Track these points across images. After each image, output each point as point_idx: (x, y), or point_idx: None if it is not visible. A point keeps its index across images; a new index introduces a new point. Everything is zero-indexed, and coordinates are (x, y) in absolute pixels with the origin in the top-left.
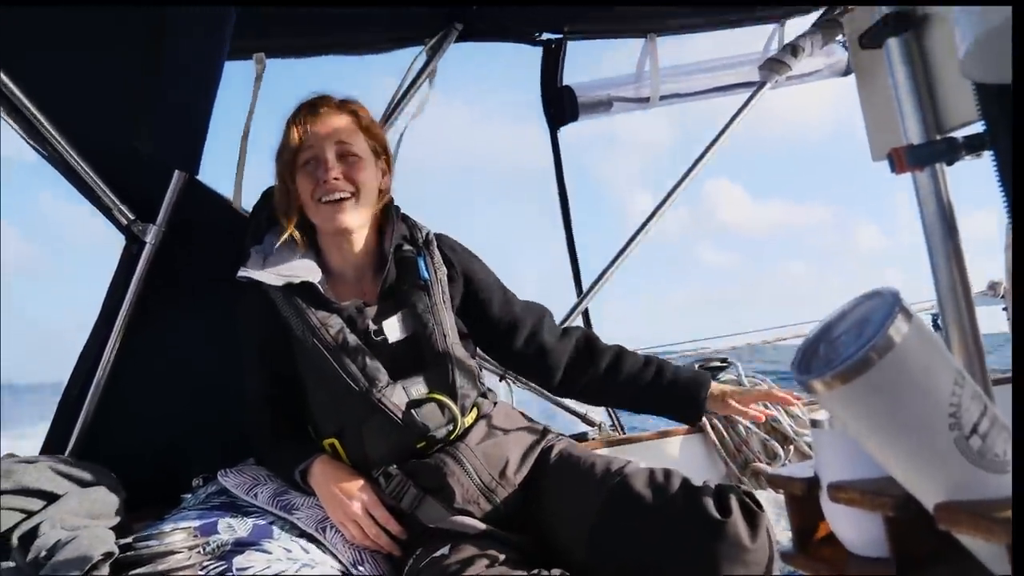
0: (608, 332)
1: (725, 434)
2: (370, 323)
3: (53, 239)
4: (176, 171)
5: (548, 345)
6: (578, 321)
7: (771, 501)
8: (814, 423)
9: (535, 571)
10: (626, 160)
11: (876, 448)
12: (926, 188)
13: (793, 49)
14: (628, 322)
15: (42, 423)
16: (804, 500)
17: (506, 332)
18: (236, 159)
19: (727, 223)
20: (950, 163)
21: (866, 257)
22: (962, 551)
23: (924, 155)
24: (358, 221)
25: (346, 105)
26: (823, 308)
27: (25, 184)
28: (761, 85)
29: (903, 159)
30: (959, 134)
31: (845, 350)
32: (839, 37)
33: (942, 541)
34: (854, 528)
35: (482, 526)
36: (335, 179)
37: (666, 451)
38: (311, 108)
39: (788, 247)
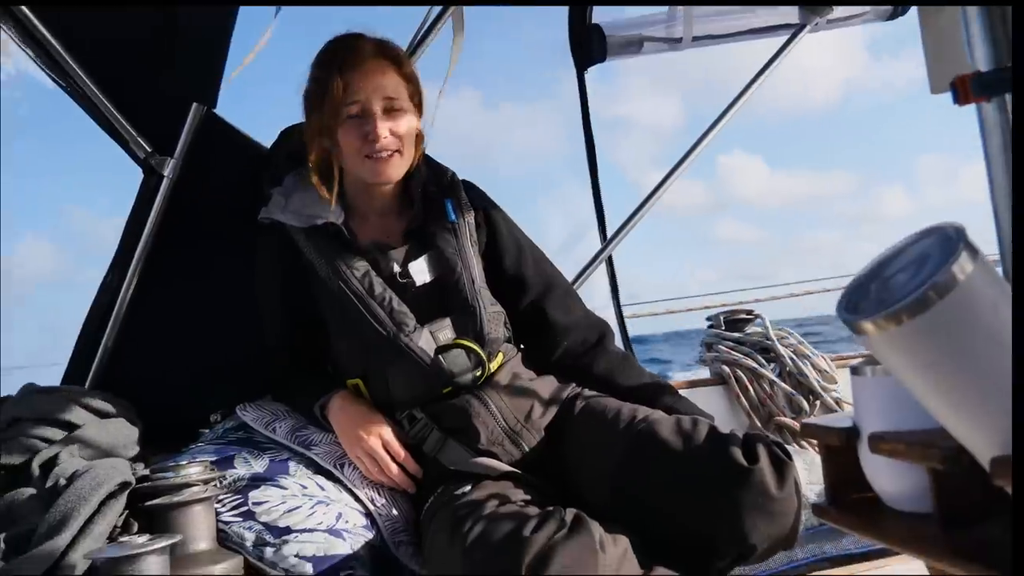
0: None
1: (750, 387)
2: (395, 265)
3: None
4: (194, 104)
5: (551, 317)
6: (601, 269)
7: (798, 457)
8: (855, 370)
9: (549, 508)
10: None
11: (930, 396)
12: (991, 121)
13: None
14: (651, 295)
15: None
16: (841, 451)
17: (510, 290)
18: (254, 96)
19: (747, 196)
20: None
21: (894, 221)
22: (1012, 508)
23: (993, 83)
24: (401, 174)
25: (387, 52)
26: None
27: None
28: (801, 27)
29: (968, 88)
30: None
31: (901, 289)
32: None
33: (992, 497)
34: (895, 481)
35: (505, 467)
36: (384, 136)
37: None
38: (353, 55)
39: (812, 217)
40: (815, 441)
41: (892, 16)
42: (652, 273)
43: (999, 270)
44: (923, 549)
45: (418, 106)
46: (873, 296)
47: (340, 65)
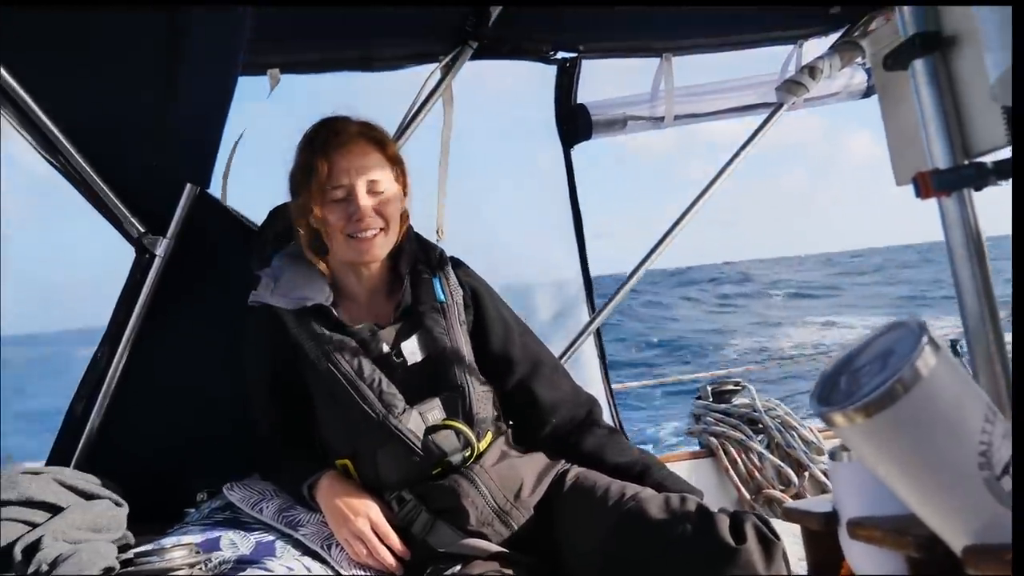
0: (605, 250)
1: (738, 459)
2: (384, 346)
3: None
4: (188, 184)
5: (540, 397)
6: (590, 343)
7: (786, 530)
8: (832, 454)
9: None
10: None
11: (900, 486)
12: (953, 214)
13: (811, 70)
14: (621, 238)
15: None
16: (822, 535)
17: (499, 369)
18: (246, 172)
19: (714, 139)
20: (978, 189)
21: (860, 165)
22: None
23: (951, 180)
24: (386, 252)
25: (371, 134)
26: (817, 220)
27: None
28: (778, 107)
29: (929, 184)
30: (988, 159)
31: (868, 382)
32: (858, 59)
33: None
34: (874, 566)
35: (494, 547)
36: (368, 215)
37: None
38: (337, 138)
39: (779, 161)
40: None
41: (867, 94)
42: (624, 213)
43: (952, 343)
44: None
45: (403, 186)
46: (843, 388)
47: (324, 147)
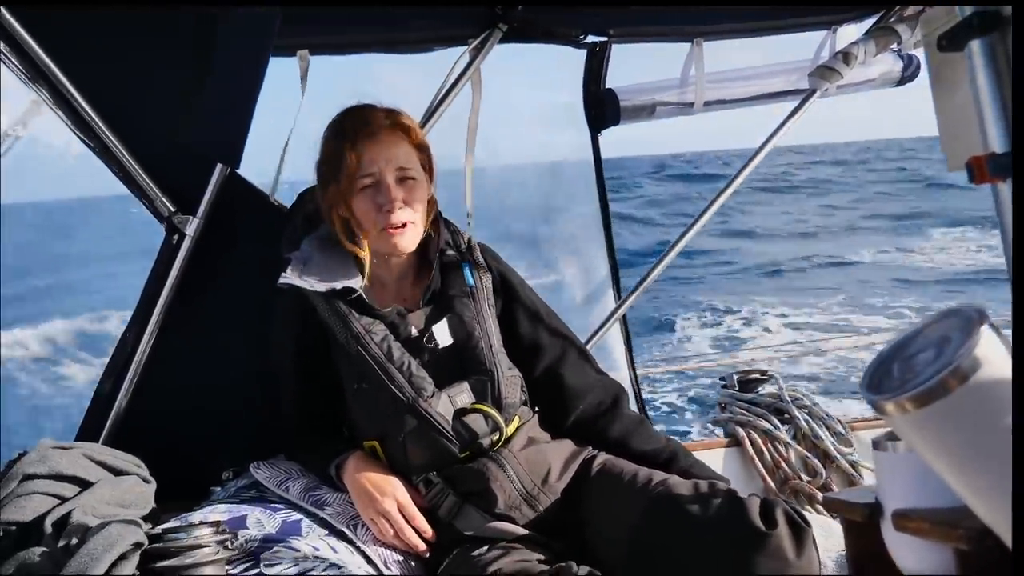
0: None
1: (764, 449)
2: (413, 329)
3: None
4: (218, 164)
5: (567, 383)
6: (616, 328)
7: (814, 522)
8: (876, 443)
9: (561, 564)
10: None
11: (953, 476)
12: (1007, 201)
13: (845, 56)
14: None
15: None
16: (863, 526)
17: (526, 355)
18: (277, 153)
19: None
20: None
21: None
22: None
23: (1007, 164)
24: (416, 243)
25: (398, 122)
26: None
27: None
28: (811, 93)
29: (985, 168)
30: None
31: (923, 371)
32: (893, 46)
33: None
34: (918, 559)
35: (521, 530)
36: (399, 207)
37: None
38: (365, 128)
39: None
40: None
41: (901, 82)
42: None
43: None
44: None
45: (429, 173)
46: (896, 376)
47: (353, 137)
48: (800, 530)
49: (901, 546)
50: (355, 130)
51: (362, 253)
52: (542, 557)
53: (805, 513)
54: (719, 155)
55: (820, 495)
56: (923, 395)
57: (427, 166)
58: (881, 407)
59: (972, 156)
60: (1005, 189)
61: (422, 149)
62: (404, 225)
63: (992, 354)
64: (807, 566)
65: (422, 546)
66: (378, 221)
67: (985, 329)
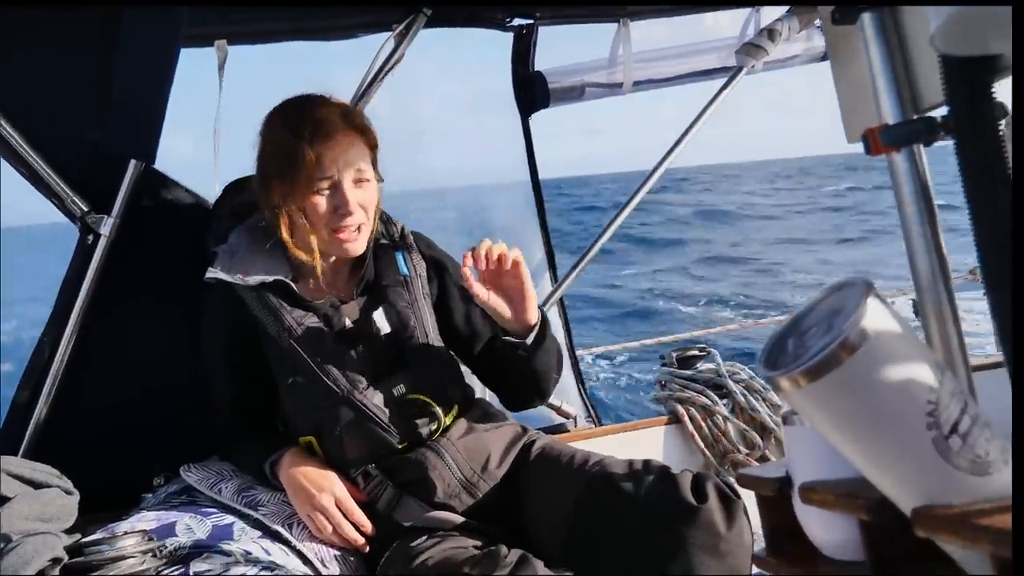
0: (599, 147)
1: (703, 424)
2: (347, 321)
3: None
4: (132, 160)
5: None
6: (554, 311)
7: (752, 495)
8: (785, 418)
9: (491, 547)
10: None
11: (848, 448)
12: (902, 170)
13: (770, 33)
14: (622, 132)
15: None
16: (776, 501)
17: (466, 338)
18: (194, 146)
19: (712, 32)
20: (927, 144)
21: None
22: (941, 555)
23: (900, 135)
24: (364, 246)
25: (353, 122)
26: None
27: None
28: (738, 70)
29: (878, 140)
30: (937, 114)
31: (814, 344)
32: (816, 22)
33: (920, 545)
34: (827, 531)
35: (459, 519)
36: (355, 212)
37: (644, 443)
38: (323, 127)
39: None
40: None
41: (825, 57)
42: (618, 109)
43: (914, 304)
44: None
45: (377, 171)
46: (790, 352)
47: (310, 136)
48: (731, 503)
49: (810, 519)
50: (312, 129)
51: (306, 257)
52: (478, 543)
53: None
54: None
55: None
56: (814, 368)
57: (375, 164)
58: (777, 383)
59: (866, 128)
60: (898, 159)
61: (374, 149)
62: (358, 229)
63: (879, 324)
64: (737, 537)
65: (360, 540)
66: (331, 223)
67: (872, 300)
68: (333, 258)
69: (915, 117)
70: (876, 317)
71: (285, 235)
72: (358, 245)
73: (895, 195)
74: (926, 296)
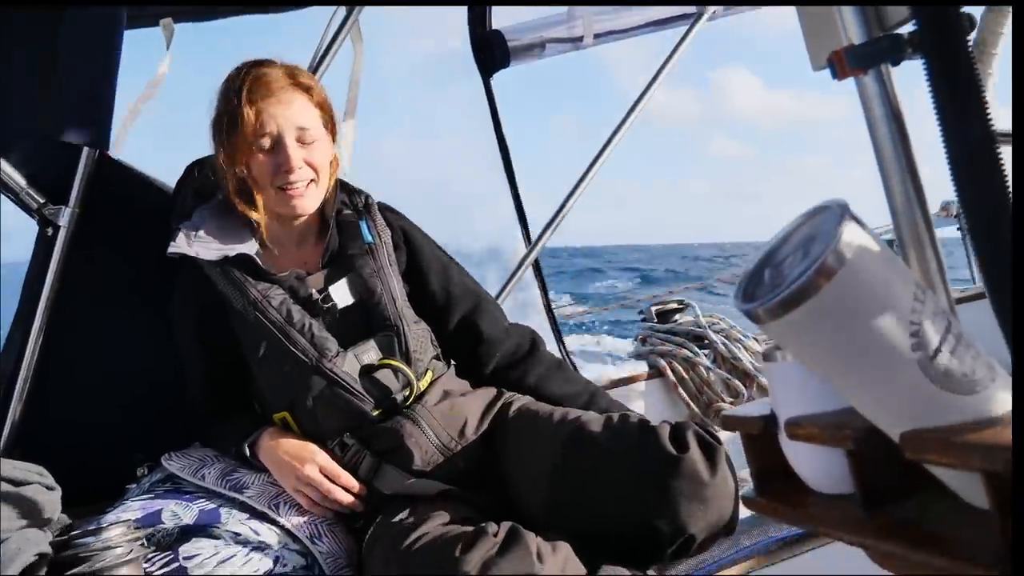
0: (624, 218)
1: (686, 376)
2: (313, 291)
3: None
4: (85, 148)
5: (484, 333)
6: (529, 273)
7: (735, 440)
8: (766, 355)
9: (483, 524)
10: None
11: (833, 378)
12: (871, 92)
13: None
14: (643, 206)
15: None
16: (761, 439)
17: (440, 309)
18: (152, 133)
19: (741, 112)
20: (895, 63)
21: (927, 147)
22: (933, 481)
23: (867, 55)
24: (318, 203)
25: (298, 81)
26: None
27: None
28: (698, 17)
29: (844, 62)
30: (904, 31)
31: (791, 273)
32: None
33: (910, 473)
34: (815, 466)
35: (440, 486)
36: (298, 167)
37: (628, 398)
38: (263, 86)
39: (806, 140)
40: None
41: None
42: (644, 182)
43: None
44: (847, 530)
45: (331, 132)
46: (767, 283)
47: (251, 94)
48: (712, 449)
49: (797, 455)
50: (252, 88)
51: (255, 215)
52: (464, 515)
53: (727, 434)
54: None
55: None
56: (792, 297)
57: (329, 126)
58: (755, 316)
59: (832, 52)
60: (867, 81)
61: (323, 108)
62: (306, 186)
63: (857, 246)
64: (721, 483)
65: (355, 501)
66: (275, 181)
67: (848, 222)
68: (294, 229)
69: (881, 35)
70: (853, 239)
71: (233, 196)
72: (308, 202)
73: (866, 119)
74: (902, 221)
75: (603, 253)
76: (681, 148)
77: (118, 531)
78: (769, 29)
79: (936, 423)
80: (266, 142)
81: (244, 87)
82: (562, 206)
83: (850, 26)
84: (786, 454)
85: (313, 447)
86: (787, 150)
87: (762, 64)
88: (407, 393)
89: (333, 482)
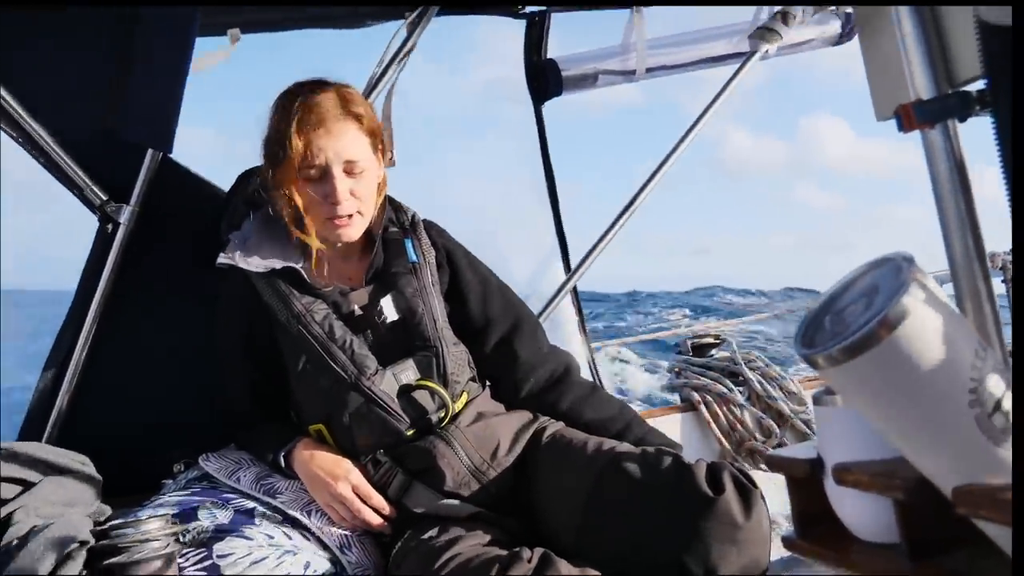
0: (710, 269)
1: (719, 412)
2: (355, 308)
3: None
4: (149, 150)
5: (520, 357)
6: (567, 300)
7: (769, 481)
8: (816, 399)
9: (516, 549)
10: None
11: (887, 427)
12: (936, 146)
13: (784, 16)
14: (729, 260)
15: None
16: (806, 482)
17: (478, 331)
18: (211, 138)
19: (830, 161)
20: (962, 119)
21: (988, 203)
22: (980, 537)
23: (934, 111)
24: (362, 231)
25: (349, 109)
26: (935, 257)
27: None
28: (751, 55)
29: (912, 116)
30: (972, 88)
31: (853, 322)
32: (831, 8)
33: (958, 527)
34: (861, 513)
35: (471, 508)
36: (344, 199)
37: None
38: (314, 114)
39: (897, 189)
40: None
41: (839, 41)
42: (728, 233)
43: (949, 290)
44: None
45: (381, 154)
46: (827, 329)
47: (301, 122)
48: (748, 492)
49: (843, 500)
50: (304, 115)
51: (308, 239)
52: (496, 538)
53: (760, 472)
54: None
55: None
56: (853, 346)
57: (379, 149)
58: (814, 361)
59: (899, 105)
60: (933, 135)
61: (373, 134)
62: (351, 216)
63: (920, 300)
64: (756, 527)
65: (383, 523)
66: (323, 211)
67: (912, 277)
68: (339, 244)
69: (950, 92)
70: (917, 293)
71: (286, 217)
72: (352, 231)
73: (929, 173)
74: (961, 275)
75: (685, 298)
76: (767, 199)
77: (156, 524)
78: (858, 75)
79: (989, 479)
80: (314, 172)
81: (294, 113)
82: (603, 237)
83: (918, 79)
84: (831, 499)
85: (347, 464)
86: (877, 200)
87: (850, 111)
88: (442, 414)
89: (364, 502)
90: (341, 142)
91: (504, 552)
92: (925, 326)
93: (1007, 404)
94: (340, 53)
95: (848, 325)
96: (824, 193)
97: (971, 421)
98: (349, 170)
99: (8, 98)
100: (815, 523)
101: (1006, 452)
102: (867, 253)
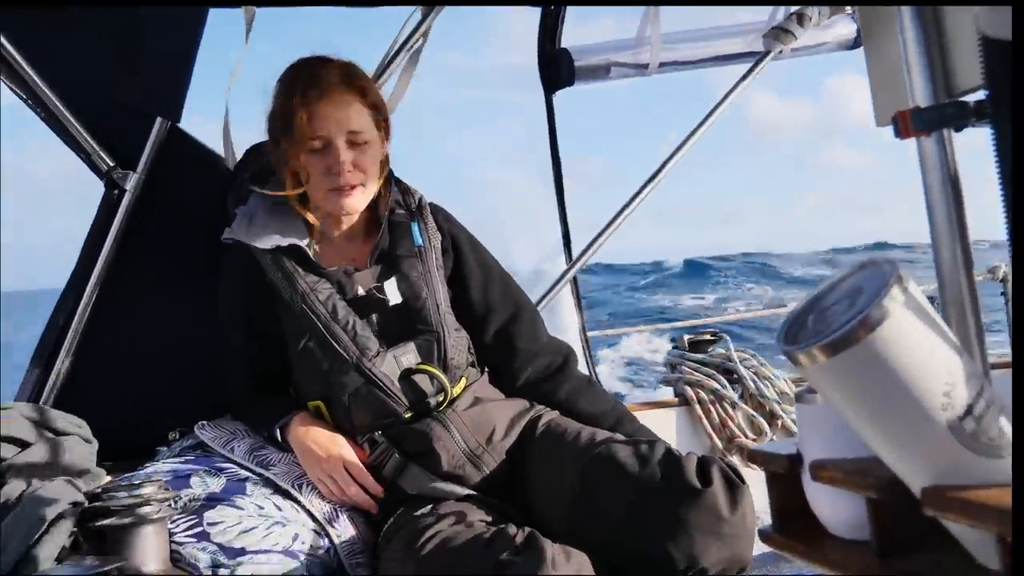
0: (728, 235)
1: (712, 408)
2: (359, 289)
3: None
4: (158, 118)
5: (518, 346)
6: (567, 290)
7: (758, 479)
8: (799, 396)
9: (502, 526)
10: None
11: (862, 426)
12: (931, 155)
13: (799, 18)
14: (751, 224)
15: None
16: (785, 478)
17: (479, 318)
18: (222, 110)
19: (857, 120)
20: (958, 129)
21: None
22: (948, 538)
23: (931, 119)
24: (365, 204)
25: (353, 82)
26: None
27: None
28: (765, 55)
29: (908, 122)
30: (970, 99)
31: (834, 321)
32: (847, 9)
33: (927, 527)
34: (835, 509)
35: (465, 490)
36: (348, 171)
37: (651, 424)
38: (316, 86)
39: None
40: None
41: (854, 45)
42: (755, 196)
43: (937, 301)
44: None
45: (384, 130)
46: (810, 328)
47: (304, 95)
48: (735, 487)
49: (818, 496)
50: (306, 88)
51: (310, 216)
52: (484, 518)
53: (749, 469)
54: None
55: None
56: (833, 344)
57: (382, 126)
58: (794, 358)
59: (897, 111)
60: (928, 144)
61: (377, 108)
62: (353, 187)
63: (901, 305)
64: (740, 521)
65: (370, 502)
66: (326, 183)
67: (896, 281)
68: (343, 217)
69: (947, 101)
70: (898, 297)
71: (289, 192)
72: (355, 202)
73: (923, 181)
74: (947, 282)
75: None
76: (792, 163)
77: (150, 489)
78: None
79: (958, 482)
80: (317, 144)
81: (297, 86)
82: (606, 228)
83: (918, 87)
84: (807, 495)
85: (341, 440)
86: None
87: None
88: (440, 398)
89: (355, 479)
90: (344, 113)
91: (490, 529)
92: (903, 329)
93: (979, 410)
94: (353, 40)
95: (829, 324)
96: (853, 152)
97: (943, 424)
98: (352, 141)
99: (19, 59)
100: (792, 518)
101: (975, 456)
102: (898, 215)
